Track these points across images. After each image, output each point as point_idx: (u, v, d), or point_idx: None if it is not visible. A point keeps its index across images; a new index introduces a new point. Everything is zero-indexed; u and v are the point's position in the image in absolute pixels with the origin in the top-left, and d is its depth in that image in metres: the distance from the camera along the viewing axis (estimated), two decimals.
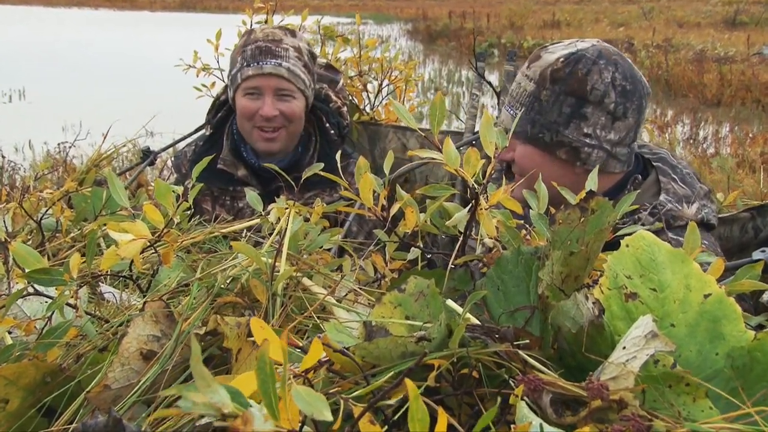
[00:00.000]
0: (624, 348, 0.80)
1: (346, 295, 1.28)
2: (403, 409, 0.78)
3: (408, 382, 0.66)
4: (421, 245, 1.44)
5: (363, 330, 0.99)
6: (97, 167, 2.84)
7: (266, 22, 3.52)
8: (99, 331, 1.19)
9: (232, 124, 2.80)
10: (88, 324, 1.18)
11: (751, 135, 10.90)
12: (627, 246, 0.98)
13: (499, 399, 0.79)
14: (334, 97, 2.93)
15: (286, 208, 1.42)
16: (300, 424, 0.70)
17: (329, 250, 1.55)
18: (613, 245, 1.03)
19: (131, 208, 1.44)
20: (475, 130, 2.95)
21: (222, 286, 1.23)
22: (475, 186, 1.23)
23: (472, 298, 0.99)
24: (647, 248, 0.97)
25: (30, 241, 1.81)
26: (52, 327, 1.18)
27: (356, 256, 1.52)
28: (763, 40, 19.39)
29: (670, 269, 0.95)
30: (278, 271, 1.21)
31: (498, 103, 2.88)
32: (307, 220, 1.47)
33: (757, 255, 1.54)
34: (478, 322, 0.97)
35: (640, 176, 2.03)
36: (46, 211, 1.88)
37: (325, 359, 0.88)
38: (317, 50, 3.62)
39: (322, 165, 1.54)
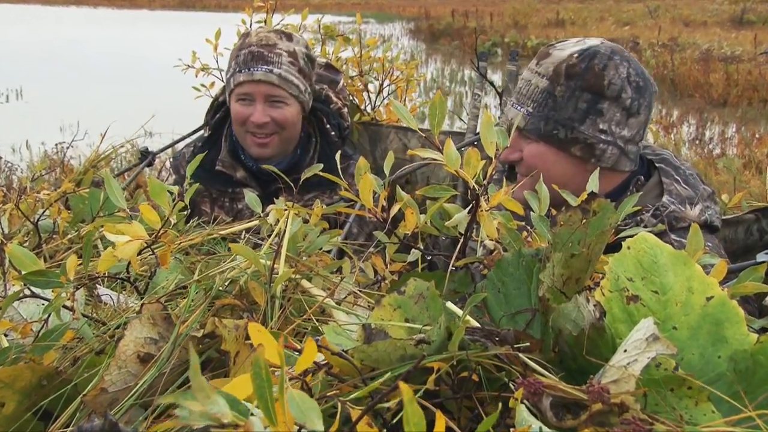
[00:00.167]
0: (625, 351, 0.80)
1: (346, 297, 1.29)
2: (402, 413, 0.78)
3: (402, 384, 0.66)
4: (422, 247, 1.44)
5: (362, 332, 0.99)
6: (94, 168, 2.85)
7: (266, 21, 3.52)
8: (96, 333, 1.19)
9: (231, 126, 2.80)
10: (84, 326, 1.18)
11: (757, 135, 10.90)
12: (628, 248, 0.98)
13: (500, 404, 0.79)
14: (334, 98, 2.93)
15: (285, 210, 1.42)
16: (297, 429, 0.71)
17: (329, 251, 1.56)
18: (615, 247, 1.03)
19: (129, 210, 1.45)
20: (477, 130, 2.95)
21: (220, 288, 1.24)
22: (476, 187, 1.23)
23: (472, 301, 0.99)
24: (649, 250, 0.97)
25: (27, 243, 1.81)
26: (48, 329, 1.18)
27: (356, 258, 1.53)
28: None
29: (672, 271, 0.95)
30: (277, 273, 1.21)
31: (500, 104, 2.88)
32: (306, 221, 1.48)
33: (761, 257, 1.54)
34: (478, 325, 0.98)
35: (642, 177, 2.04)
36: (43, 212, 1.88)
37: (324, 362, 0.89)
38: (317, 49, 3.63)
39: (321, 166, 1.54)
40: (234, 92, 2.67)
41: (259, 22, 3.52)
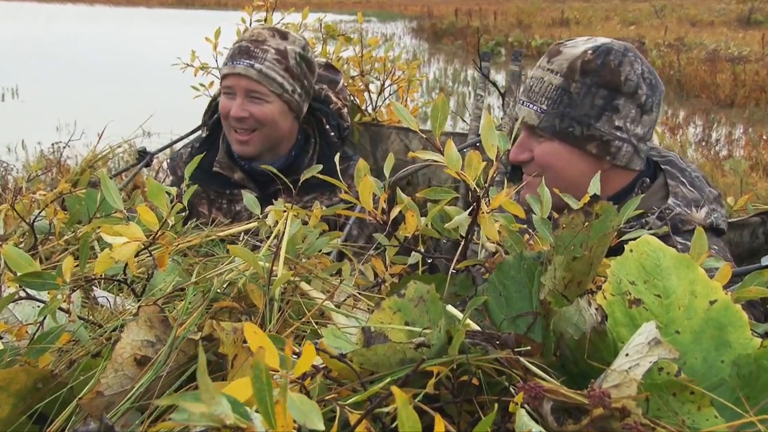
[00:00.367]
0: (627, 355, 0.81)
1: (345, 300, 1.29)
2: None
3: (395, 389, 0.66)
4: (422, 250, 1.45)
5: (361, 336, 1.00)
6: (91, 168, 2.85)
7: (266, 20, 3.53)
8: (92, 336, 1.19)
9: None
10: (81, 329, 1.18)
11: (765, 137, 10.87)
12: (631, 251, 0.98)
13: (497, 406, 0.79)
14: (334, 98, 2.93)
15: (284, 211, 1.42)
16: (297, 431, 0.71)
17: (328, 254, 1.56)
18: (618, 250, 1.04)
19: (126, 211, 1.45)
20: (480, 131, 2.95)
21: (218, 290, 1.24)
22: (477, 189, 1.23)
23: (473, 304, 0.99)
24: (652, 253, 0.97)
25: (22, 244, 1.82)
26: (44, 332, 1.19)
27: (356, 261, 1.53)
28: None
29: (675, 275, 0.95)
30: (276, 276, 1.21)
31: (503, 104, 2.88)
32: (305, 223, 1.48)
33: (766, 261, 1.54)
34: (478, 328, 0.98)
35: (648, 179, 2.04)
36: (39, 213, 1.88)
37: (322, 365, 0.89)
38: (318, 49, 3.63)
39: (321, 167, 1.54)
40: (222, 85, 2.71)
41: (259, 20, 3.53)
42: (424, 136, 1.45)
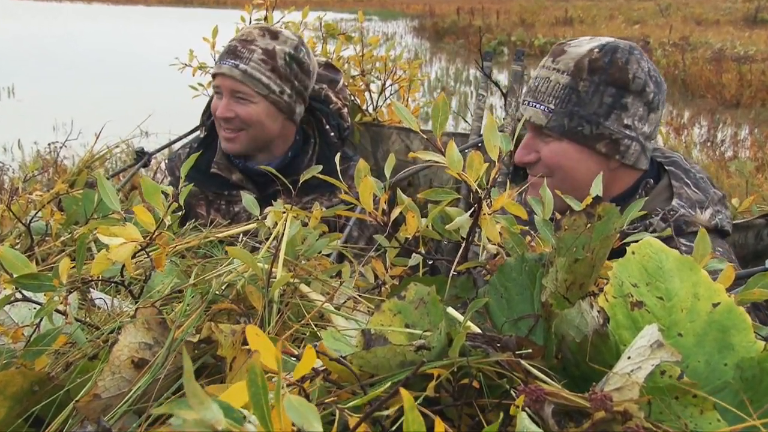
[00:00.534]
0: (629, 358, 0.81)
1: (345, 302, 1.29)
2: (401, 420, 0.79)
3: (403, 391, 0.67)
4: (423, 251, 1.45)
5: (361, 338, 1.00)
6: (89, 168, 2.86)
7: (266, 18, 3.54)
8: (89, 338, 1.20)
9: None
10: (77, 331, 1.19)
11: None
12: (633, 253, 0.98)
13: (502, 414, 0.80)
14: (333, 98, 2.93)
15: (284, 212, 1.42)
16: None
17: (328, 255, 1.56)
18: (621, 252, 1.04)
19: (124, 212, 1.45)
20: (481, 132, 2.95)
21: (217, 292, 1.24)
22: (478, 190, 1.24)
23: (474, 306, 1.00)
24: (654, 255, 0.98)
25: (18, 245, 1.82)
26: (40, 334, 1.19)
27: (356, 262, 1.53)
28: None
29: (678, 277, 0.96)
30: (275, 277, 1.22)
31: (505, 105, 2.88)
32: (305, 224, 1.48)
33: None
34: (479, 331, 0.98)
35: (652, 180, 2.04)
36: (36, 214, 1.89)
37: (322, 368, 0.89)
38: (318, 48, 3.64)
39: (320, 167, 1.54)
40: (212, 84, 2.74)
41: (259, 19, 3.53)
42: (425, 137, 1.45)
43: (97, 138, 2.93)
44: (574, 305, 0.91)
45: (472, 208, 1.30)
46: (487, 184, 1.26)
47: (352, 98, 3.45)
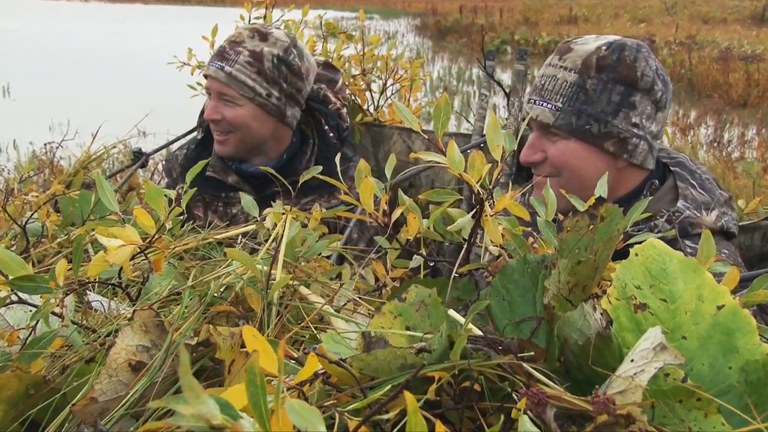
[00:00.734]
0: (632, 361, 0.81)
1: (345, 304, 1.30)
2: (402, 423, 0.79)
3: (407, 394, 0.67)
4: (425, 253, 1.45)
5: (361, 341, 1.00)
6: (85, 169, 2.86)
7: (265, 17, 3.54)
8: (86, 341, 1.20)
9: None
10: (74, 334, 1.19)
11: None
12: (636, 255, 0.99)
13: (502, 417, 0.80)
14: (332, 98, 2.93)
15: (283, 214, 1.43)
16: None
17: (328, 257, 1.56)
18: (625, 254, 1.04)
19: (121, 213, 1.45)
20: (484, 132, 2.95)
21: (215, 294, 1.24)
22: (480, 191, 1.24)
23: (475, 308, 1.00)
24: (657, 257, 0.98)
25: (14, 247, 1.82)
26: (36, 337, 1.19)
27: (356, 264, 1.54)
28: None
29: (682, 279, 0.96)
30: (274, 279, 1.22)
31: (508, 104, 2.89)
32: (304, 226, 1.48)
33: None
34: (481, 333, 0.98)
35: (657, 181, 2.04)
36: (32, 215, 1.89)
37: (321, 371, 0.89)
38: (318, 47, 3.64)
39: (320, 168, 1.54)
40: None
41: (258, 17, 3.54)
42: (426, 137, 1.46)
43: (94, 138, 2.93)
44: (576, 307, 0.91)
45: (474, 210, 1.30)
46: (490, 184, 1.27)
47: (353, 98, 3.46)
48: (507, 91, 3.01)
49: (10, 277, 1.19)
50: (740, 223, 2.20)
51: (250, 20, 3.49)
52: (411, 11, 38.94)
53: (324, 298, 1.27)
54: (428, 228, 1.39)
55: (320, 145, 2.83)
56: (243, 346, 1.04)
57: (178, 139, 3.45)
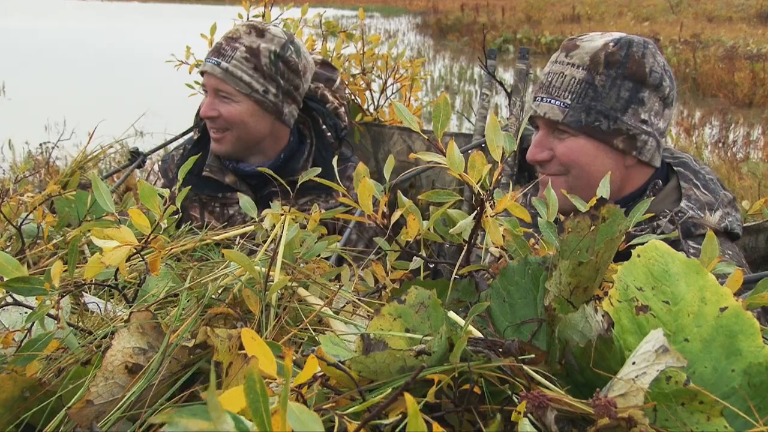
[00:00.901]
0: (634, 363, 0.81)
1: (344, 306, 1.30)
2: (401, 426, 0.79)
3: (407, 396, 0.67)
4: (425, 254, 1.45)
5: (360, 343, 1.00)
6: (82, 169, 2.86)
7: (264, 15, 3.54)
8: (82, 343, 1.20)
9: None
10: (70, 336, 1.19)
11: None
12: (638, 256, 0.99)
13: (499, 416, 0.80)
14: (330, 97, 2.93)
15: (281, 214, 1.43)
16: None
17: (327, 258, 1.56)
18: (628, 255, 1.04)
19: (118, 213, 1.45)
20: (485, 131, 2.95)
21: (213, 296, 1.24)
22: (481, 192, 1.24)
23: (475, 310, 1.00)
24: (660, 258, 0.98)
25: (9, 248, 1.82)
26: (31, 339, 1.19)
27: (355, 266, 1.54)
28: None
29: (684, 281, 0.96)
30: (272, 281, 1.22)
31: (509, 104, 2.89)
32: (303, 227, 1.48)
33: None
34: (481, 335, 0.99)
35: (660, 181, 2.05)
36: (27, 215, 1.89)
37: (320, 373, 0.90)
38: (318, 46, 3.64)
39: (319, 170, 1.55)
40: None
41: (256, 16, 3.54)
42: (426, 137, 1.46)
43: (91, 138, 2.93)
44: (578, 309, 0.91)
45: (475, 211, 1.30)
46: (491, 185, 1.27)
47: (353, 98, 3.46)
48: (509, 90, 3.01)
49: (6, 279, 1.19)
50: (744, 224, 2.20)
51: (248, 18, 3.49)
52: (412, 9, 38.91)
53: (323, 300, 1.27)
54: (428, 229, 1.39)
55: (318, 145, 2.83)
56: (241, 348, 1.04)
57: (175, 138, 3.45)
